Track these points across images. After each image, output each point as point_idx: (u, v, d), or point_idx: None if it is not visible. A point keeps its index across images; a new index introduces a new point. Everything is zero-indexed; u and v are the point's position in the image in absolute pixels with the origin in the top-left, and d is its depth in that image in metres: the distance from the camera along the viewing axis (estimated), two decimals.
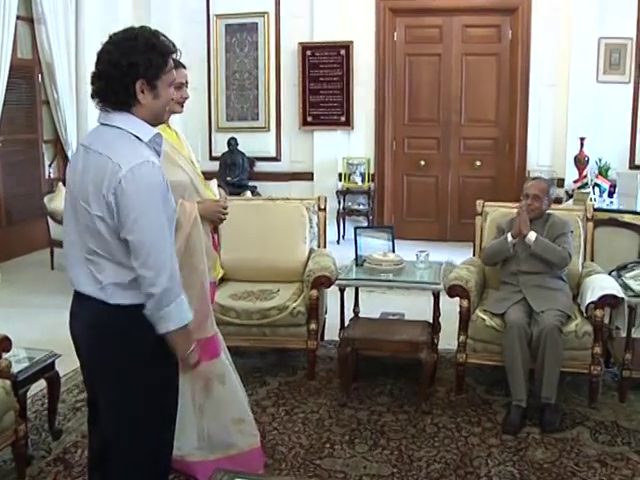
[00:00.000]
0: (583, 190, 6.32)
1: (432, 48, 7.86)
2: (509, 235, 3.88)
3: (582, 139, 7.06)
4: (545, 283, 3.80)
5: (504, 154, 7.86)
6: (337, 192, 7.99)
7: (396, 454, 3.27)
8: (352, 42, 7.82)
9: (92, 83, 2.09)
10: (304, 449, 3.33)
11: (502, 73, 7.74)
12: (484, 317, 3.79)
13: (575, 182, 6.68)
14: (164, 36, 2.13)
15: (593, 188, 6.28)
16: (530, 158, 7.75)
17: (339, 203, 7.99)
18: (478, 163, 7.91)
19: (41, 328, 4.73)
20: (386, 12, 7.79)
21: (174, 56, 2.16)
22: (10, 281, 6.40)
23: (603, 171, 6.98)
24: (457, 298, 3.90)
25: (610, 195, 6.23)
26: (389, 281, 4.16)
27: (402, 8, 7.78)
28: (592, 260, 4.30)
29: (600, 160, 7.20)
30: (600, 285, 3.74)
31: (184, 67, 2.91)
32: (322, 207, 4.72)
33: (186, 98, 2.94)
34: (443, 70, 7.87)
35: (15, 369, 3.07)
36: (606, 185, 6.25)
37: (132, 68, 2.02)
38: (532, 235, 3.81)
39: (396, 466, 3.17)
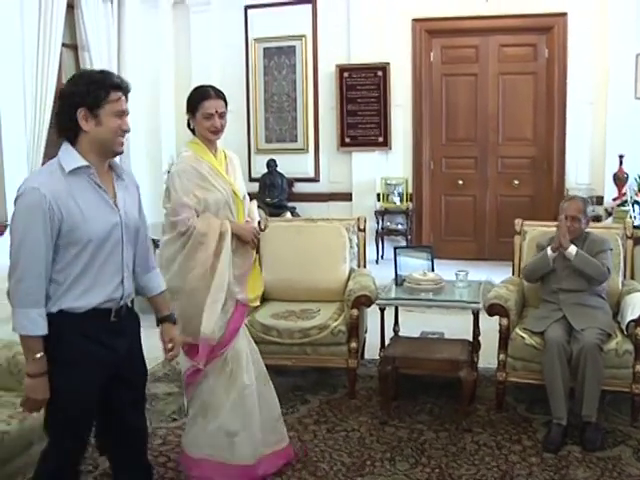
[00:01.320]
0: (623, 208, 6.28)
1: (468, 68, 7.91)
2: (549, 249, 3.91)
3: (621, 156, 7.02)
4: (585, 301, 3.82)
5: (542, 172, 7.84)
6: (375, 212, 8.05)
7: (437, 472, 3.32)
8: (389, 63, 7.91)
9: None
10: (345, 467, 3.39)
11: (539, 91, 7.74)
12: (524, 335, 3.82)
13: (614, 200, 6.64)
14: (118, 77, 2.41)
15: (632, 205, 6.24)
16: (569, 176, 7.71)
17: (377, 223, 8.03)
18: (516, 182, 7.89)
19: None
20: (422, 33, 7.87)
21: (116, 91, 2.35)
22: None
23: None
24: (496, 317, 3.93)
25: None
26: (429, 300, 4.22)
27: (438, 29, 7.85)
28: (632, 278, 4.30)
29: None
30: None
31: (219, 97, 3.18)
32: (362, 227, 4.80)
33: (219, 128, 3.19)
34: (480, 89, 7.90)
35: None
36: None
37: (73, 96, 2.30)
38: (572, 249, 3.84)
39: None
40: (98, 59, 7.30)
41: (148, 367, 2.74)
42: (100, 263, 2.36)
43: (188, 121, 3.27)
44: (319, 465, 3.41)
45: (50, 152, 6.76)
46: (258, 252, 3.64)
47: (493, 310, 3.92)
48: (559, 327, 3.71)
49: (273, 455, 3.31)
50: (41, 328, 2.27)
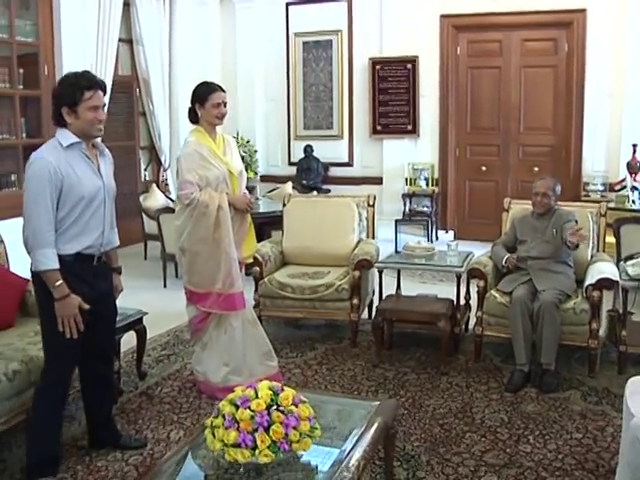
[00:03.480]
0: (622, 193, 6.77)
1: (493, 61, 8.47)
2: (504, 260, 4.53)
3: (634, 145, 7.45)
4: (550, 267, 4.42)
5: (561, 160, 8.34)
6: (403, 195, 8.71)
7: (410, 401, 3.99)
8: (418, 57, 8.54)
9: None
10: None
11: (559, 83, 8.24)
12: (496, 295, 4.45)
13: (614, 185, 7.12)
14: (90, 77, 3.04)
15: (632, 190, 6.71)
16: (585, 164, 8.19)
17: (404, 205, 8.69)
18: (536, 169, 8.39)
19: (134, 304, 5.68)
20: (449, 28, 8.46)
21: (89, 90, 2.98)
22: None
23: None
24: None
25: None
26: (420, 265, 4.89)
27: (464, 24, 8.43)
28: (604, 251, 4.85)
29: None
30: (600, 270, 4.33)
31: (222, 91, 3.98)
32: (371, 203, 5.47)
33: (224, 114, 3.98)
34: (503, 81, 8.45)
35: None
36: None
37: (58, 98, 3.01)
38: (570, 229, 4.35)
39: (407, 409, 3.88)
40: (151, 52, 8.14)
41: (186, 321, 3.89)
42: (88, 217, 3.05)
43: (189, 112, 4.02)
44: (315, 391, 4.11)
45: (106, 137, 7.60)
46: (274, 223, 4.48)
47: (473, 273, 4.55)
48: (524, 288, 4.33)
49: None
50: (55, 262, 2.94)
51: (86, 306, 3.03)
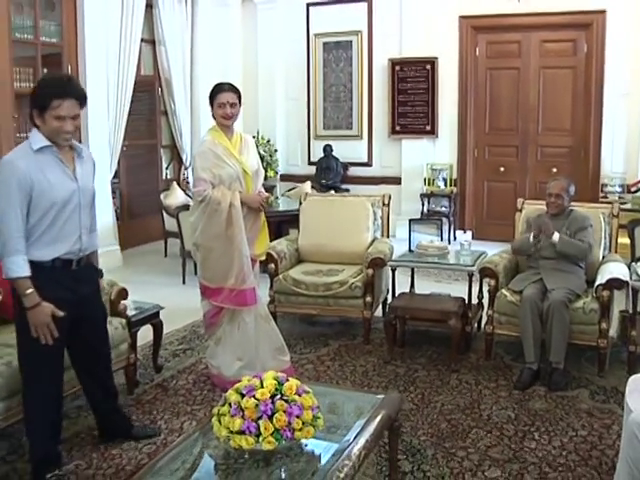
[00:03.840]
0: (638, 194, 6.77)
1: (511, 62, 8.49)
2: (531, 235, 4.55)
3: None
4: (561, 267, 4.46)
5: (579, 161, 8.34)
6: (421, 195, 8.76)
7: (419, 397, 4.07)
8: (437, 58, 8.59)
9: None
10: None
11: (577, 84, 8.24)
12: (507, 294, 4.50)
13: (630, 186, 7.12)
14: (64, 85, 2.95)
15: None
16: (604, 165, 8.18)
17: (423, 205, 8.75)
18: (554, 170, 8.38)
19: (153, 299, 5.81)
20: (468, 29, 8.50)
21: (58, 99, 2.87)
22: (130, 264, 7.58)
23: None
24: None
25: None
26: (433, 263, 4.96)
27: (483, 25, 8.47)
28: (616, 252, 4.88)
29: None
30: (610, 270, 4.37)
31: (233, 91, 4.06)
32: (386, 203, 5.54)
33: (230, 115, 4.05)
34: (522, 82, 8.47)
35: (130, 314, 4.11)
36: None
37: (31, 99, 2.94)
38: (556, 236, 4.45)
39: (417, 404, 3.96)
40: (173, 53, 8.29)
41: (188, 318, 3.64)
42: (62, 222, 2.96)
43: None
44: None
45: (128, 135, 7.78)
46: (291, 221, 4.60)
47: (484, 272, 4.60)
48: (535, 287, 4.37)
49: None
50: (26, 270, 2.87)
51: (60, 313, 2.96)
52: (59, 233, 2.97)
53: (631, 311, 4.39)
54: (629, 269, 4.46)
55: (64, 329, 3.03)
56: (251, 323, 4.12)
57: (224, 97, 4.01)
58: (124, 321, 3.92)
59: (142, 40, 7.81)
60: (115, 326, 3.82)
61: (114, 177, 7.73)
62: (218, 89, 4.06)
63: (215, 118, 4.07)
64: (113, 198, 7.71)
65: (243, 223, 3.99)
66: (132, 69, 7.53)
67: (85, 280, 3.17)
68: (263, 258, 4.54)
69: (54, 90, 2.90)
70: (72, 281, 3.06)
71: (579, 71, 8.21)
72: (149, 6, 7.91)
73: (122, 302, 3.97)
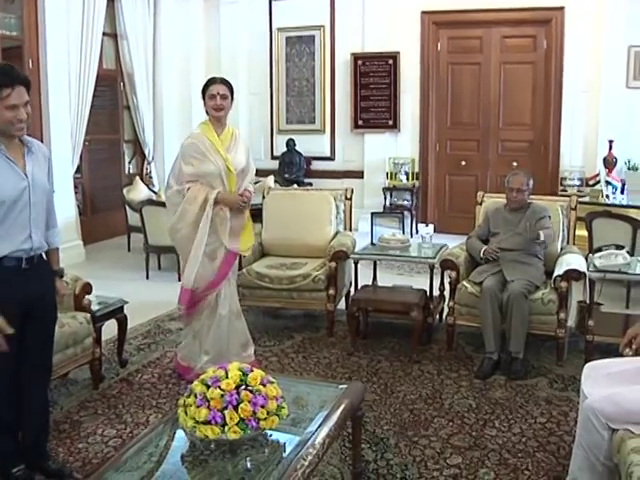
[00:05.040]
0: (596, 187, 6.93)
1: (473, 57, 8.61)
2: (482, 252, 4.64)
3: (611, 141, 7.60)
4: (521, 258, 4.55)
5: (539, 155, 8.51)
6: (384, 189, 8.84)
7: (382, 387, 4.13)
8: (399, 52, 8.67)
9: None
10: None
11: (537, 80, 8.39)
12: (467, 285, 4.58)
13: (589, 180, 7.29)
14: (8, 73, 2.77)
15: (606, 185, 6.86)
16: (563, 159, 8.37)
17: (385, 199, 8.82)
18: (515, 163, 8.51)
19: (117, 294, 5.77)
20: (430, 25, 8.60)
21: (6, 88, 2.71)
22: (93, 259, 7.51)
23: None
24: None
25: (622, 192, 6.81)
26: (394, 256, 5.02)
27: (445, 21, 8.58)
28: (574, 244, 5.00)
29: (629, 161, 7.75)
30: (568, 262, 4.48)
31: (224, 83, 4.09)
32: (348, 197, 5.58)
33: (219, 106, 4.03)
34: (483, 78, 8.60)
35: (94, 309, 4.09)
36: (617, 183, 6.83)
37: None
38: (542, 236, 4.52)
39: (380, 395, 4.02)
40: (135, 47, 8.24)
41: (167, 311, 3.58)
42: (12, 220, 2.81)
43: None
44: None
45: (90, 130, 7.71)
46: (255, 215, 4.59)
47: (446, 265, 4.68)
48: (494, 278, 4.46)
49: None
50: None
51: (9, 330, 2.78)
52: (7, 231, 2.82)
53: (588, 301, 4.49)
54: (586, 261, 4.57)
55: (16, 330, 2.83)
56: (225, 319, 4.14)
57: (215, 89, 4.02)
58: (88, 316, 3.91)
59: (104, 34, 7.76)
60: (80, 321, 3.81)
61: (76, 172, 7.64)
62: (210, 82, 4.08)
63: (207, 112, 4.08)
64: (75, 193, 7.63)
65: (209, 228, 3.99)
66: (94, 63, 7.47)
67: (37, 278, 2.98)
68: (249, 253, 4.56)
69: (1, 79, 2.74)
70: (21, 278, 2.89)
71: (539, 67, 8.37)
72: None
73: (86, 297, 3.95)
